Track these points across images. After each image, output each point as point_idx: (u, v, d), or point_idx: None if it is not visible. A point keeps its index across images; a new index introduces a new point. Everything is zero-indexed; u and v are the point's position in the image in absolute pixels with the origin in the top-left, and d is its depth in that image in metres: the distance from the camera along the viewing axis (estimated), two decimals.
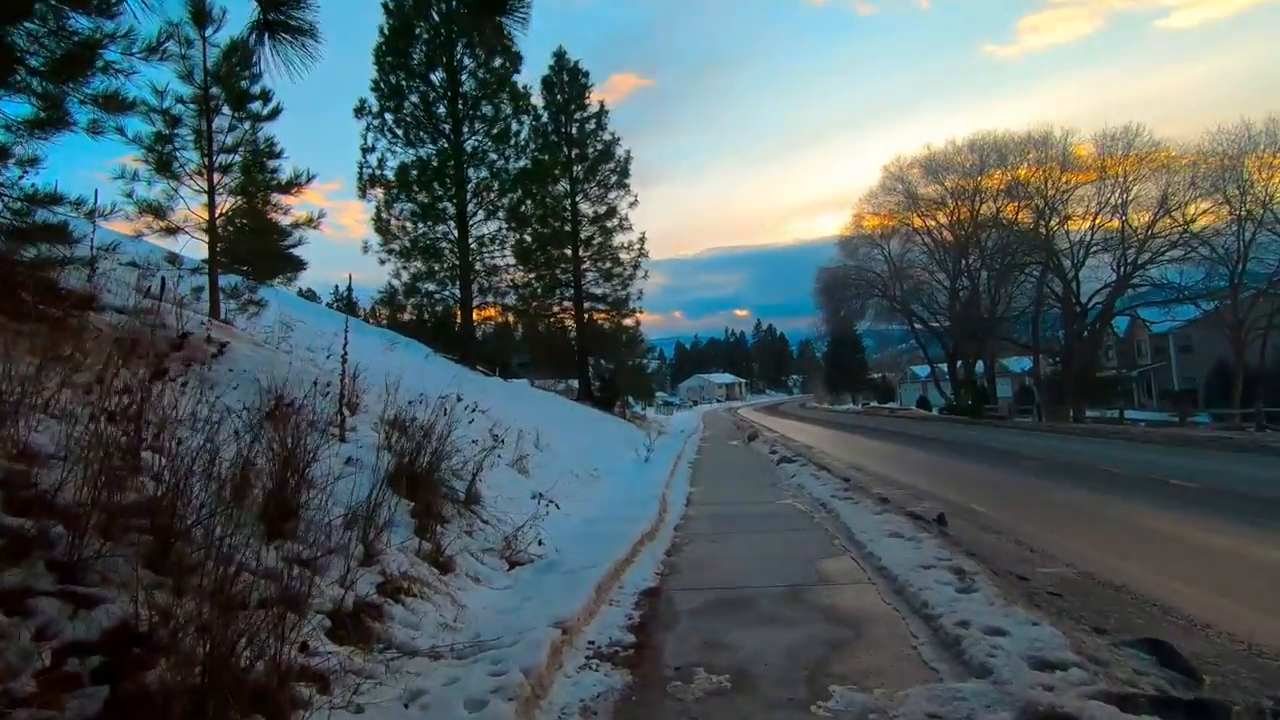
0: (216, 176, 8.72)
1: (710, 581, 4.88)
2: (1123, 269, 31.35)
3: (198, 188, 8.66)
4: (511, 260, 22.48)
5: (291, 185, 9.37)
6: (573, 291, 25.63)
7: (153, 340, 4.45)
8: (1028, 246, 33.50)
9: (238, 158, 8.96)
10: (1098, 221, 32.35)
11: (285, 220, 9.79)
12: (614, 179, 25.62)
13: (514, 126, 21.10)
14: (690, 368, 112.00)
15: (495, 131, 20.70)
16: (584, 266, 25.67)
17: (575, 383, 25.66)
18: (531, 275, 24.35)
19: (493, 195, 21.03)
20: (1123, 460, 12.12)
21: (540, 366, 26.49)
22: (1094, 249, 32.48)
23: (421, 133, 20.36)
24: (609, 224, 25.59)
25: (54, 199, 5.11)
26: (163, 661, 2.13)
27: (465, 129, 20.41)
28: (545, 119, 25.10)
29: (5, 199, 4.86)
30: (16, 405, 2.95)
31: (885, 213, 40.85)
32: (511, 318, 24.76)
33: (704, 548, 6.10)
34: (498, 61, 20.29)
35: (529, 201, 22.01)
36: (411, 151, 20.34)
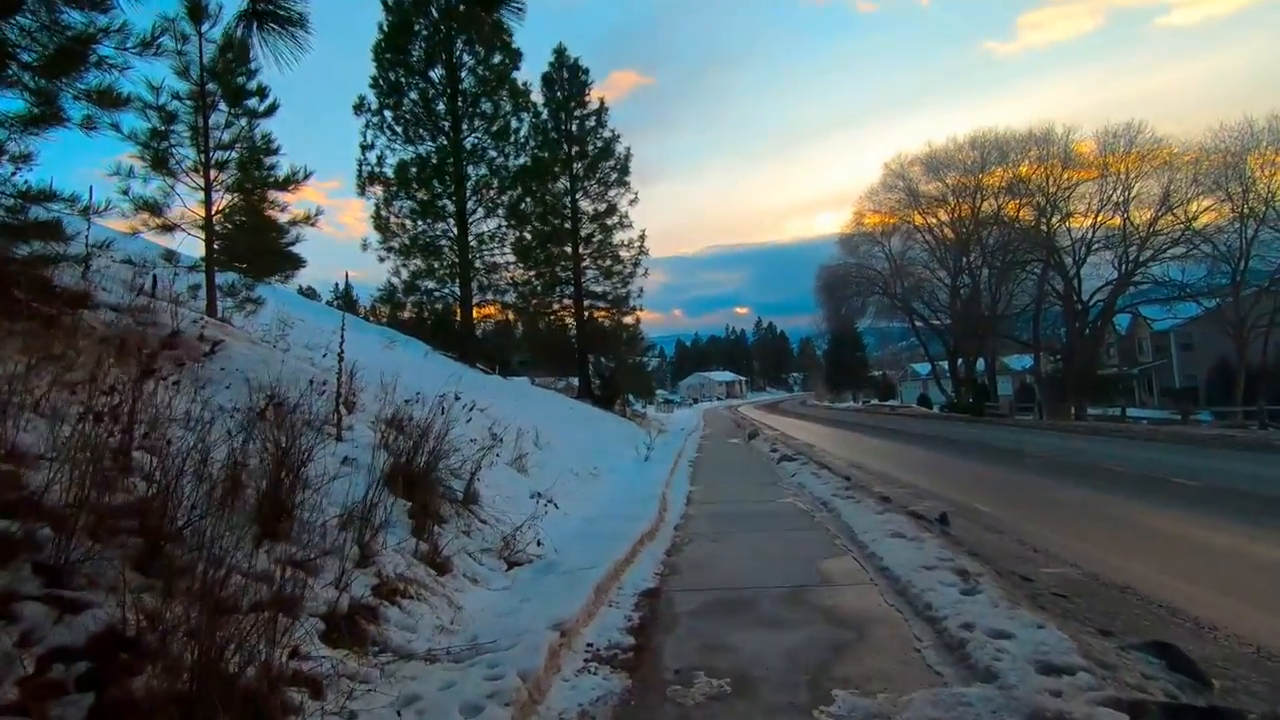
0: (213, 173, 8.67)
1: (710, 582, 4.84)
2: (1124, 266, 31.23)
3: (194, 184, 8.61)
4: (511, 258, 22.43)
5: (289, 182, 9.33)
6: (573, 289, 25.55)
7: (144, 338, 4.39)
8: (1029, 244, 33.37)
9: (235, 154, 8.92)
10: (1099, 219, 32.25)
11: (283, 217, 9.76)
12: (614, 176, 25.53)
13: (514, 123, 21.04)
14: (690, 365, 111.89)
15: (495, 128, 20.61)
16: (584, 264, 25.58)
17: (575, 381, 25.61)
18: (531, 273, 24.27)
19: (492, 192, 20.96)
20: (1125, 458, 12.08)
21: (540, 364, 26.44)
22: (1095, 246, 32.36)
23: (421, 130, 20.28)
24: (609, 221, 25.51)
25: (48, 196, 5.06)
26: (150, 667, 2.08)
27: (465, 126, 20.31)
28: (545, 116, 25.04)
29: None
30: (5, 405, 2.90)
31: (886, 210, 40.82)
32: (511, 315, 24.72)
33: (704, 548, 6.06)
34: (497, 58, 20.22)
35: (529, 199, 21.92)
36: (411, 149, 20.31)
